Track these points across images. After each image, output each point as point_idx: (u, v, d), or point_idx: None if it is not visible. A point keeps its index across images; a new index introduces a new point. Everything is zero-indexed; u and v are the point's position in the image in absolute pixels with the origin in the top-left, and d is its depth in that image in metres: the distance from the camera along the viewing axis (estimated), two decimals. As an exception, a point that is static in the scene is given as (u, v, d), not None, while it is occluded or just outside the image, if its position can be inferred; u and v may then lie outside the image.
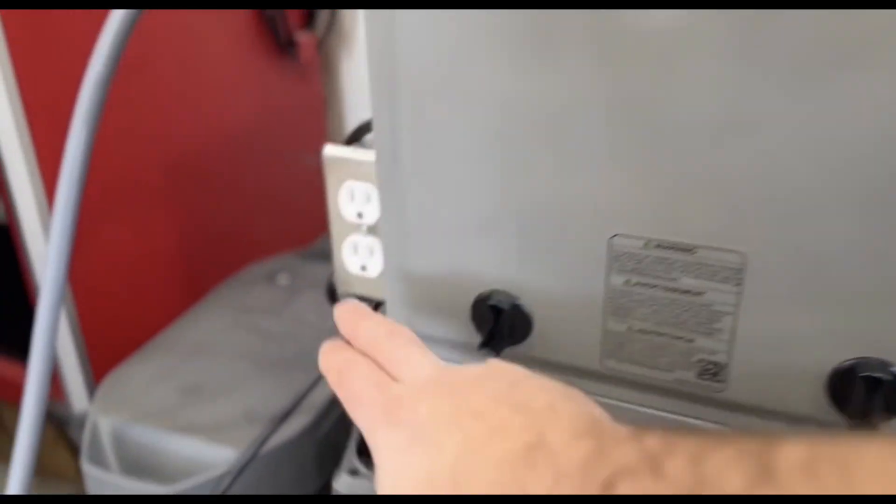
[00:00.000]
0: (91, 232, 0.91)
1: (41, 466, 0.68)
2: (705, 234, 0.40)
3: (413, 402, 0.33)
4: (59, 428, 1.09)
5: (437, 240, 0.47)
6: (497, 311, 0.46)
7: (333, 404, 0.80)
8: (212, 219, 1.12)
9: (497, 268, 0.46)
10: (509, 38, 0.40)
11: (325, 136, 1.30)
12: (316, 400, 0.78)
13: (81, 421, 0.98)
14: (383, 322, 0.39)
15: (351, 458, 0.45)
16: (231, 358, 0.88)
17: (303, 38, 1.17)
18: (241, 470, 0.69)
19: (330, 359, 0.38)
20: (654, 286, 0.42)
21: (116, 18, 0.58)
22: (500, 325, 0.46)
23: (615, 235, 0.42)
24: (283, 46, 1.14)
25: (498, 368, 0.35)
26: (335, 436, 0.80)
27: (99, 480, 0.75)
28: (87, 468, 0.76)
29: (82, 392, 1.00)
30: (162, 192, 1.03)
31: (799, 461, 0.23)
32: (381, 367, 0.37)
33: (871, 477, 0.21)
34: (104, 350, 0.99)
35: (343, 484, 0.45)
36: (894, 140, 0.35)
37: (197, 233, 1.10)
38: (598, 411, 0.31)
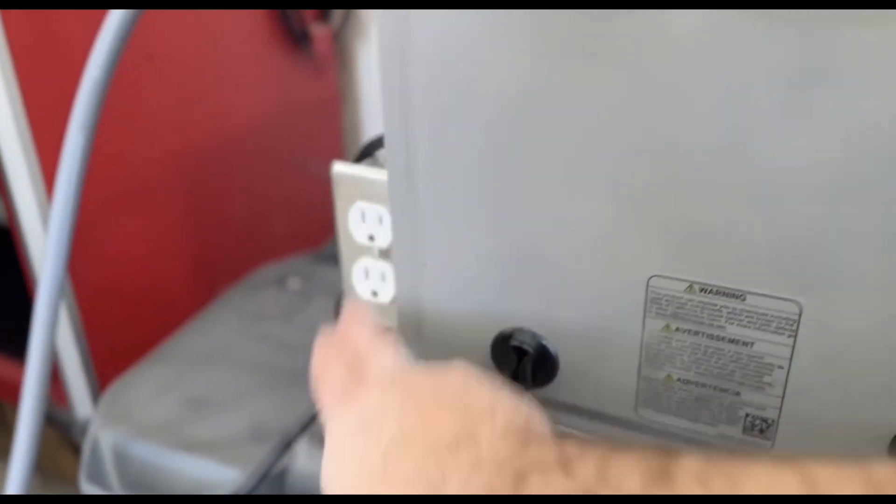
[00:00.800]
0: (96, 231, 0.88)
1: (45, 469, 0.66)
2: (758, 279, 0.35)
3: (368, 394, 0.36)
4: (62, 432, 1.06)
5: (455, 269, 0.43)
6: (520, 351, 0.42)
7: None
8: (221, 218, 1.09)
9: (521, 303, 0.42)
10: (537, 40, 0.35)
11: (340, 132, 1.26)
12: (325, 418, 0.74)
13: (84, 426, 0.95)
14: (371, 328, 0.41)
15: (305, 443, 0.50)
16: (240, 368, 0.84)
17: (318, 30, 1.13)
18: (249, 494, 0.66)
19: (319, 355, 0.41)
20: (697, 333, 0.38)
21: (116, 16, 0.55)
22: (523, 367, 0.42)
23: (653, 276, 0.37)
24: (298, 39, 1.10)
25: (455, 371, 0.36)
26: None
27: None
28: (87, 488, 0.72)
29: (85, 396, 0.97)
30: (170, 190, 0.99)
31: (694, 469, 0.24)
32: (356, 367, 0.39)
33: (756, 486, 0.23)
34: (108, 353, 0.96)
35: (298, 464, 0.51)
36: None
37: (206, 232, 1.06)
38: (537, 422, 0.32)
